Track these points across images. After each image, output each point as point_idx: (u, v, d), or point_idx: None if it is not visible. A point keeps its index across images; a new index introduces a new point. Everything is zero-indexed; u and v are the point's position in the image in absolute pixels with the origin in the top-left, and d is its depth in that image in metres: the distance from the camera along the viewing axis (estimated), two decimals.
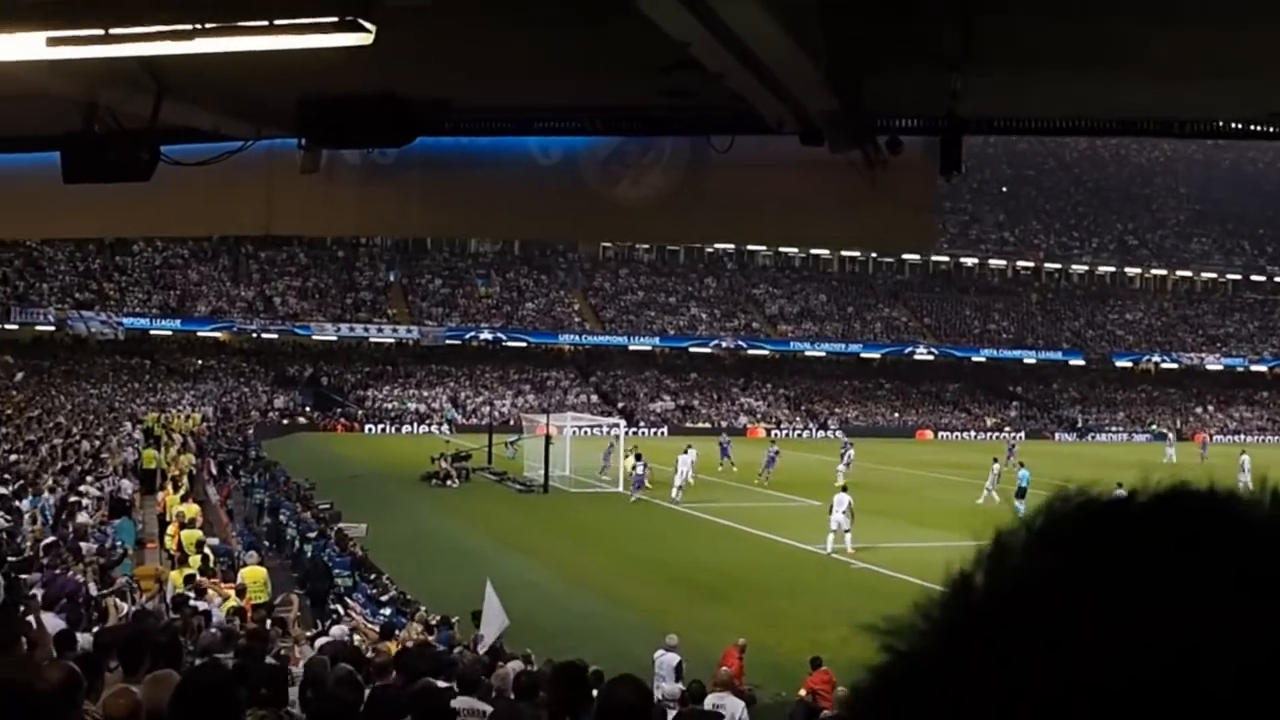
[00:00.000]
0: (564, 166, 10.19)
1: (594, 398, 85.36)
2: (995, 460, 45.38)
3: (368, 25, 6.11)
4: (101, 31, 6.49)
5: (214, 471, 41.70)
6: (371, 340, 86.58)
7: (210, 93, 9.11)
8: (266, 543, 28.33)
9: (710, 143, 9.48)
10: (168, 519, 28.04)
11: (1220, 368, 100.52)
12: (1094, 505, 0.75)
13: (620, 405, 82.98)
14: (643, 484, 43.67)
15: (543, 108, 9.75)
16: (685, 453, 45.50)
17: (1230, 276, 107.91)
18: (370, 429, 75.55)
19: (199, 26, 6.28)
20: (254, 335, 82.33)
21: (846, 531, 30.53)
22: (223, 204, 10.95)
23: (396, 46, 6.48)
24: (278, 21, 6.21)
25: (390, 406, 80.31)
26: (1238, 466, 50.83)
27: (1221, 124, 9.11)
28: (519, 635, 18.63)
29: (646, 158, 9.98)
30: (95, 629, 11.77)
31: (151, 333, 78.81)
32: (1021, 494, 40.52)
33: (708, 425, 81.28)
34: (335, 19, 6.10)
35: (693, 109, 9.11)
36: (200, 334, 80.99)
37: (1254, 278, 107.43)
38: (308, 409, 76.59)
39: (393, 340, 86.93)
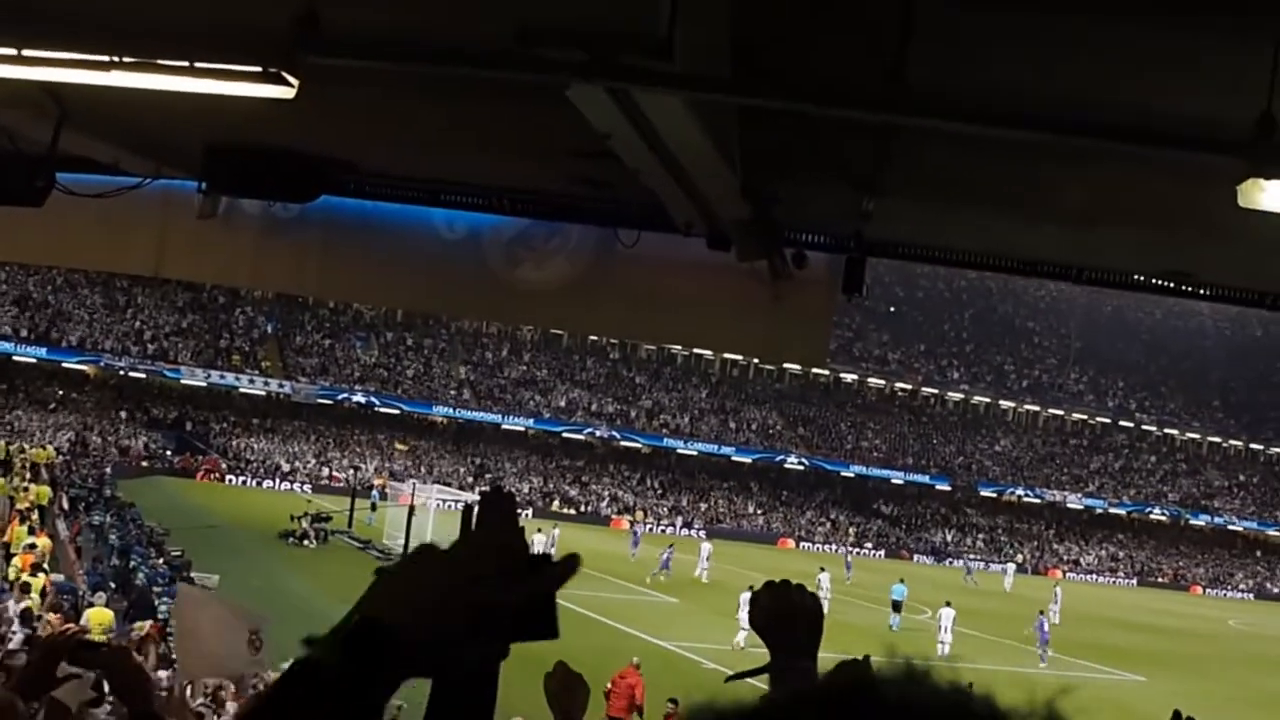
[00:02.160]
0: (467, 243, 10.07)
1: (462, 470, 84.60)
2: (822, 569, 46.30)
3: (291, 80, 5.99)
4: (13, 52, 6.30)
5: (65, 507, 40.52)
6: (241, 390, 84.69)
7: (114, 126, 8.88)
8: (113, 585, 27.49)
9: (617, 236, 9.45)
10: (13, 550, 27.16)
11: (1080, 506, 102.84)
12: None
13: (489, 480, 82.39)
14: None
15: (452, 181, 9.65)
16: (539, 531, 47.14)
17: (1100, 419, 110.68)
18: (232, 480, 74.09)
19: (116, 59, 6.11)
20: (121, 372, 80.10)
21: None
22: (114, 240, 10.66)
23: (312, 103, 6.36)
24: (199, 65, 6.07)
25: (254, 459, 78.86)
26: (1051, 597, 54.00)
27: (1118, 275, 9.29)
28: None
29: (551, 243, 9.91)
30: None
31: (15, 358, 76.32)
32: (896, 607, 42.71)
33: (572, 511, 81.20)
34: (259, 69, 5.97)
35: (603, 200, 9.08)
36: (66, 364, 78.53)
37: (1122, 422, 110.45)
38: (169, 453, 74.89)
39: (263, 393, 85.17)
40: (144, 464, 70.73)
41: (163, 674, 16.10)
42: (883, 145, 7.13)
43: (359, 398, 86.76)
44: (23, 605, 19.27)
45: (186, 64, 6.12)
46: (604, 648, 29.85)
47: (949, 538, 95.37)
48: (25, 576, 23.19)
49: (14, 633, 17.86)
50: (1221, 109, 5.55)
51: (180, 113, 7.49)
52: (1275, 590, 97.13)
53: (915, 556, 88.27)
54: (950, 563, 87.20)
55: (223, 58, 6.05)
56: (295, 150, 9.18)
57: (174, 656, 17.34)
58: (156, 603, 24.90)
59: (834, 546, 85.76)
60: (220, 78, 6.18)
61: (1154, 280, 9.09)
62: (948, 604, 39.60)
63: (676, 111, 6.27)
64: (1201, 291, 9.09)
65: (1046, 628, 41.68)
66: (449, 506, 54.94)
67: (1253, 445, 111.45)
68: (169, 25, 6.28)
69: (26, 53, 6.28)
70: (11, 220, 9.67)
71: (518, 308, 10.90)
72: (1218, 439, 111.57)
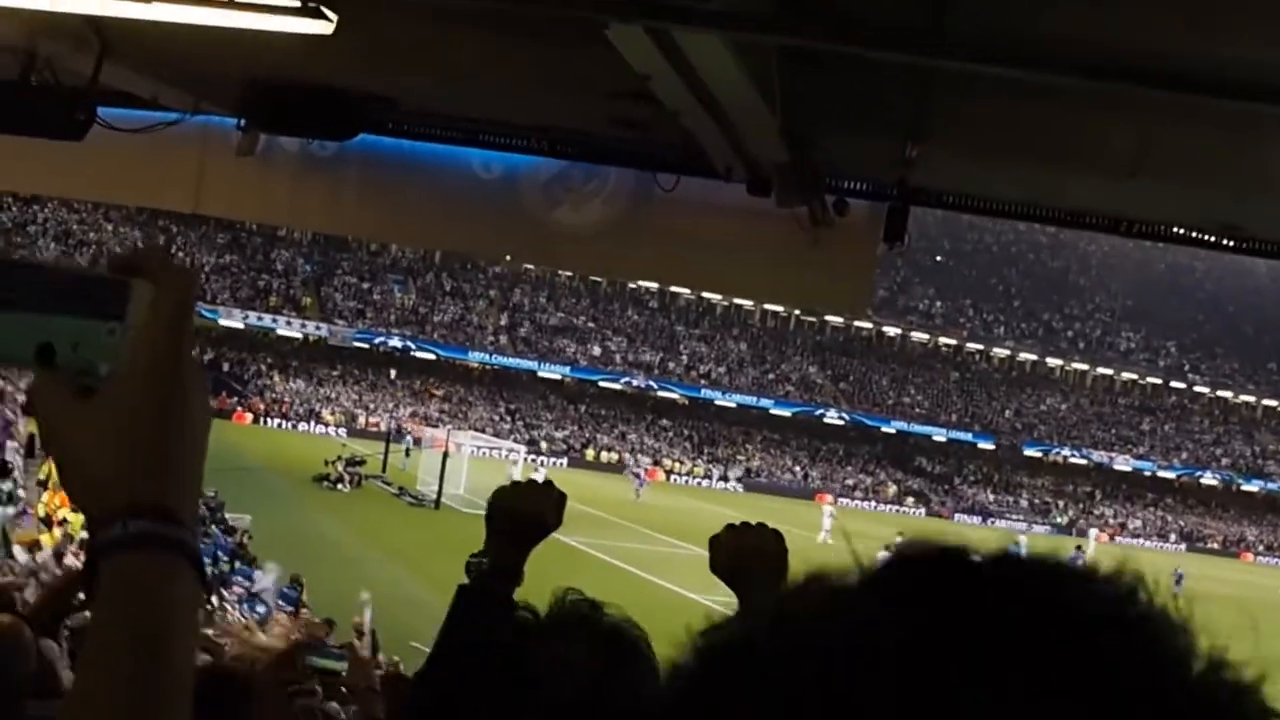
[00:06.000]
0: (504, 183, 10.02)
1: (496, 417, 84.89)
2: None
3: (330, 15, 5.95)
4: None
5: None
6: (279, 332, 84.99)
7: (154, 59, 8.85)
8: None
9: (655, 179, 9.37)
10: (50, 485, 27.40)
11: (1128, 469, 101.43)
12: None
13: (524, 429, 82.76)
14: None
15: (491, 121, 9.59)
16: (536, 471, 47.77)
17: (1151, 379, 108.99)
18: (268, 423, 74.60)
19: None
20: None
21: None
22: (153, 176, 10.66)
23: (351, 38, 6.32)
24: None
25: (290, 401, 79.35)
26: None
27: (1169, 229, 9.12)
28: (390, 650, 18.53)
29: (589, 186, 9.83)
30: None
31: None
32: None
33: (610, 460, 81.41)
34: (298, 4, 5.93)
35: (642, 142, 9.00)
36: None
37: (1174, 383, 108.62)
38: None
39: (300, 335, 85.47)
40: None
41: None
42: (927, 90, 7.02)
43: (395, 342, 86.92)
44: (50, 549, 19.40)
45: None
46: (629, 602, 30.02)
47: (991, 497, 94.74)
48: (63, 512, 23.35)
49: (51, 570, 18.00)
50: (1275, 56, 5.41)
51: (220, 47, 7.45)
52: None
53: (956, 516, 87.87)
54: (992, 523, 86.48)
55: None
56: (334, 87, 9.15)
57: None
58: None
59: (873, 503, 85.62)
60: (260, 11, 6.17)
61: (1204, 235, 8.94)
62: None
63: (717, 52, 6.19)
64: (1255, 246, 8.93)
65: (1080, 562, 44.08)
66: (483, 454, 55.25)
67: None
68: None
69: None
70: (51, 154, 9.65)
71: (554, 250, 10.84)
72: (1273, 402, 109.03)
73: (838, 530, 52.61)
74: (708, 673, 0.73)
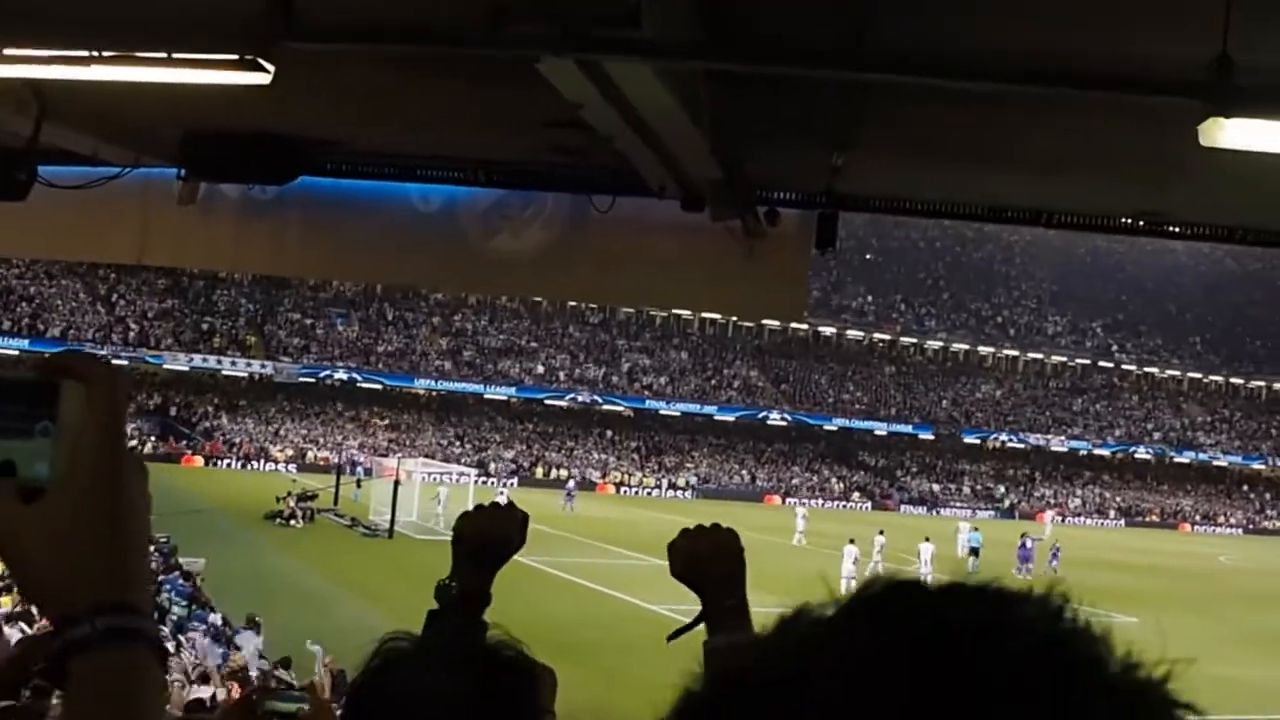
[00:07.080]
0: (443, 215, 10.18)
1: (445, 442, 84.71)
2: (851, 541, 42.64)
3: (267, 66, 6.10)
4: None
5: None
6: (225, 373, 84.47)
7: (93, 117, 8.95)
8: None
9: (591, 202, 9.57)
10: None
11: (1064, 449, 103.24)
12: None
13: (473, 451, 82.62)
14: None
15: (428, 156, 9.76)
16: (500, 493, 49.00)
17: (1080, 361, 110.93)
18: (218, 464, 74.08)
19: (95, 54, 6.20)
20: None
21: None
22: (96, 230, 10.74)
23: (287, 86, 6.45)
24: (176, 55, 6.17)
25: (239, 441, 78.86)
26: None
27: (1090, 218, 9.43)
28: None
29: (527, 212, 10.03)
30: None
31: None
32: (975, 553, 47.36)
33: (560, 476, 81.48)
34: (235, 57, 6.08)
35: (577, 167, 9.19)
36: (48, 355, 77.99)
37: (1102, 363, 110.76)
38: (154, 439, 74.77)
39: (246, 374, 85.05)
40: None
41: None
42: (850, 101, 7.25)
43: (341, 375, 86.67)
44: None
45: (164, 55, 6.21)
46: (589, 618, 30.14)
47: (935, 487, 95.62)
48: None
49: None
50: (1180, 52, 5.68)
51: (158, 101, 7.57)
52: (1264, 525, 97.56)
53: (902, 507, 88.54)
54: (938, 512, 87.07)
55: (199, 46, 6.15)
56: (272, 133, 9.28)
57: None
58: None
59: (820, 501, 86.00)
60: (198, 67, 6.28)
61: (1124, 221, 9.27)
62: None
63: (646, 78, 6.38)
64: (1172, 230, 9.26)
65: (1029, 545, 47.27)
66: (433, 479, 55.09)
67: (1233, 380, 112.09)
68: (145, 16, 6.37)
69: (7, 51, 6.36)
70: None
71: (495, 277, 11.01)
72: (1198, 374, 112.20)
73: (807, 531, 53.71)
74: (720, 698, 0.88)
